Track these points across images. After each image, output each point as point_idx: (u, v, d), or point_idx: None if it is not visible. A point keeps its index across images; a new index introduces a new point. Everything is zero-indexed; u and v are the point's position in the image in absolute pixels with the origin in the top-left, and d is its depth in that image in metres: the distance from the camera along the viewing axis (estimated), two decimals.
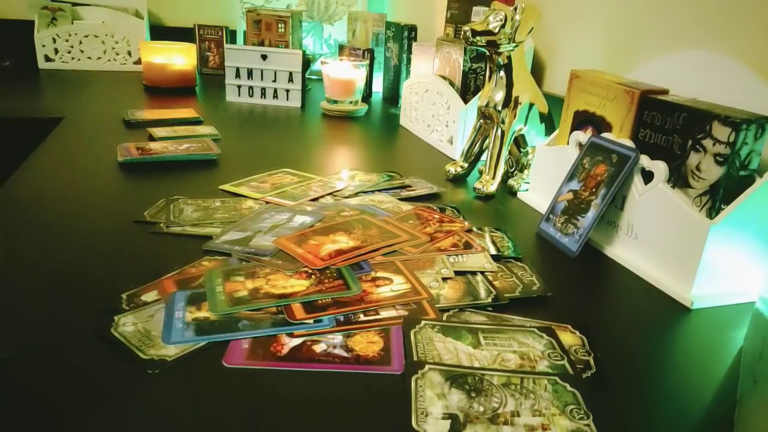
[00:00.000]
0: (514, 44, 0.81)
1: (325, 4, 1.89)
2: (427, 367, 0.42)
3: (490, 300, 0.52)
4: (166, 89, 1.44)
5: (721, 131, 0.57)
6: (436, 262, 0.59)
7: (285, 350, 0.43)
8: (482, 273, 0.58)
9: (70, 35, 1.62)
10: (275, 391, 0.39)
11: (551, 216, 0.70)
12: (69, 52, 1.64)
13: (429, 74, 1.15)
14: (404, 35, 1.39)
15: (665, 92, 0.67)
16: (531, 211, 0.80)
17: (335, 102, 1.34)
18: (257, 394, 0.39)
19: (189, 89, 1.49)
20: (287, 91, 1.40)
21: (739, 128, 0.55)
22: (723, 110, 0.58)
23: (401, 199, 0.78)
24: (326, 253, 0.58)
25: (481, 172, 0.89)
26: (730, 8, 0.70)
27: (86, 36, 1.64)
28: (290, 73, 1.38)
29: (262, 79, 1.39)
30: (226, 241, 0.61)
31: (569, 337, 0.48)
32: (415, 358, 0.43)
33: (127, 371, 0.40)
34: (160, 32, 1.82)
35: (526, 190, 0.86)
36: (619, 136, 0.69)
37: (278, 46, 1.58)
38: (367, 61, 1.49)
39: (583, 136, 0.73)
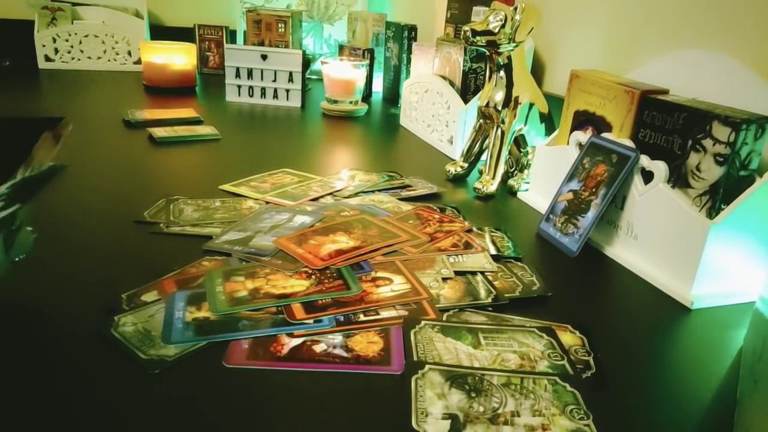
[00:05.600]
0: (514, 44, 0.81)
1: (325, 4, 1.89)
2: (427, 367, 0.42)
3: (490, 300, 0.52)
4: (166, 89, 1.44)
5: (721, 131, 0.57)
6: (436, 262, 0.59)
7: (285, 350, 0.43)
8: (482, 273, 0.58)
9: (70, 35, 1.62)
10: (275, 391, 0.39)
11: (551, 216, 0.70)
12: (69, 52, 1.64)
13: (429, 74, 1.15)
14: (404, 35, 1.39)
15: (665, 92, 0.67)
16: (531, 211, 0.80)
17: (335, 102, 1.34)
18: (257, 394, 0.39)
19: (189, 89, 1.49)
20: (287, 91, 1.40)
21: (739, 128, 0.55)
22: (723, 110, 0.58)
23: (401, 199, 0.78)
24: (326, 253, 0.58)
25: (481, 172, 0.89)
26: (729, 8, 0.70)
27: (86, 36, 1.64)
28: (290, 73, 1.38)
29: (262, 79, 1.39)
30: (226, 241, 0.61)
31: (569, 337, 0.48)
32: (415, 358, 0.43)
33: (127, 371, 0.40)
34: (160, 32, 1.82)
35: (526, 190, 0.86)
36: (619, 136, 0.69)
37: (278, 46, 1.58)
38: (367, 61, 1.49)
39: (583, 136, 0.73)
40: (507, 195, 0.86)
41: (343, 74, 1.32)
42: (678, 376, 0.45)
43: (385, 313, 0.49)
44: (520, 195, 0.85)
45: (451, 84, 1.06)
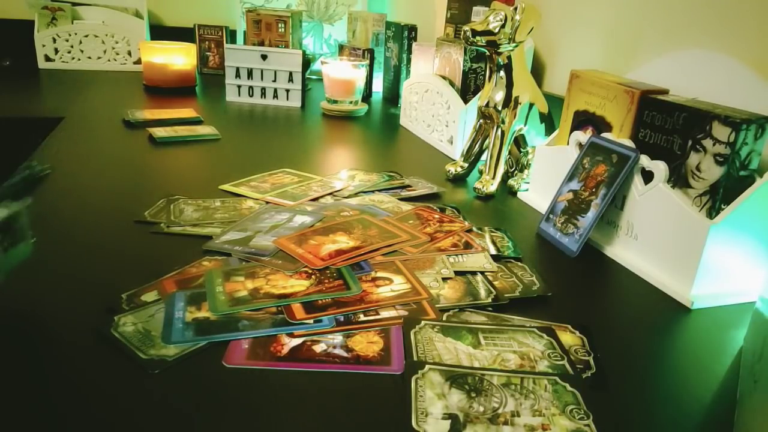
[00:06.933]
0: (514, 44, 0.81)
1: (325, 4, 1.89)
2: (427, 367, 0.42)
3: (490, 300, 0.52)
4: (166, 89, 1.44)
5: (721, 131, 0.57)
6: (436, 262, 0.59)
7: (285, 350, 0.43)
8: (482, 273, 0.58)
9: (70, 35, 1.63)
10: (275, 391, 0.39)
11: (551, 216, 0.70)
12: (69, 52, 1.64)
13: (429, 74, 1.15)
14: (404, 35, 1.39)
15: (665, 92, 0.67)
16: (531, 211, 0.80)
17: (335, 102, 1.34)
18: (257, 394, 0.39)
19: (189, 89, 1.49)
20: (287, 91, 1.40)
21: (739, 128, 0.55)
22: (723, 110, 0.58)
23: (401, 199, 0.78)
24: (326, 253, 0.58)
25: (481, 172, 0.89)
26: (729, 8, 0.70)
27: (86, 36, 1.64)
28: (290, 73, 1.38)
29: (262, 79, 1.39)
30: (226, 241, 0.61)
31: (569, 337, 0.48)
32: (415, 358, 0.43)
33: (127, 371, 0.40)
34: (160, 32, 1.82)
35: (526, 190, 0.86)
36: (619, 136, 0.69)
37: (278, 46, 1.58)
38: (367, 61, 1.49)
39: (583, 136, 0.73)
40: (507, 195, 0.86)
41: (343, 74, 1.32)
42: (678, 376, 0.45)
43: (385, 313, 0.49)
44: (520, 195, 0.85)
45: (451, 84, 1.06)
